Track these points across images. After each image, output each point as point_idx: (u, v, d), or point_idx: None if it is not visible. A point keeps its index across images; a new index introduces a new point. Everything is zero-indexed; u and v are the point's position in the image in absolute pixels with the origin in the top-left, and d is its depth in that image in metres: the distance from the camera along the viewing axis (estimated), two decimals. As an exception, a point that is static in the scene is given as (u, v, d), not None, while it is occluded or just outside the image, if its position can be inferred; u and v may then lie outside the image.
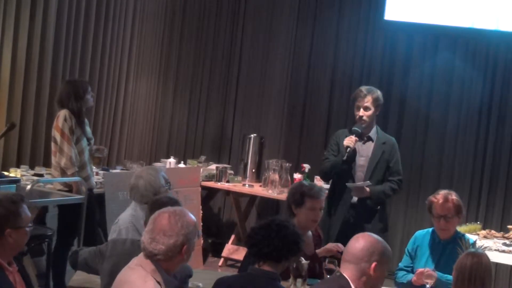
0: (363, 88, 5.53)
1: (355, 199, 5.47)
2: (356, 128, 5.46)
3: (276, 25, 8.25)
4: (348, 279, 3.16)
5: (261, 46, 8.32)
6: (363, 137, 5.53)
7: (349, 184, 5.41)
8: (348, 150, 5.37)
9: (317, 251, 4.55)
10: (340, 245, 4.47)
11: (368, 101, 5.46)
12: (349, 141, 5.39)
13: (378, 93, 5.54)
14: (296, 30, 8.16)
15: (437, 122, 7.51)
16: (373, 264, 3.15)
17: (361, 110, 5.47)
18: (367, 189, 5.42)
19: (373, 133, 5.55)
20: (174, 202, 3.86)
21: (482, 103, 7.35)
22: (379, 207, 5.51)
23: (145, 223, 3.92)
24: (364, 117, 5.47)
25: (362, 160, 5.51)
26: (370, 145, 5.53)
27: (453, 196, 4.60)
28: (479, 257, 3.57)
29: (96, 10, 7.14)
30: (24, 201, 3.40)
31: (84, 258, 3.99)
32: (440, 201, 4.57)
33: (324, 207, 5.35)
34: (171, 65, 8.27)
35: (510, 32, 7.17)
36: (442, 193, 4.62)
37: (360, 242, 3.19)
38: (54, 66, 6.72)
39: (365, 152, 5.52)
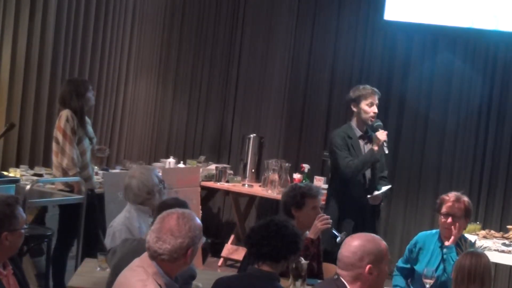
0: (370, 87, 5.61)
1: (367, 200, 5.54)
2: (380, 123, 5.52)
3: (276, 25, 8.25)
4: (345, 283, 3.15)
5: (261, 46, 8.32)
6: (365, 137, 5.58)
7: (370, 196, 5.49)
8: (386, 145, 5.45)
9: (309, 234, 4.51)
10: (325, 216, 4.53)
11: (377, 99, 5.57)
12: (385, 136, 5.45)
13: None
14: (296, 30, 8.16)
15: (436, 122, 7.52)
16: (367, 268, 3.13)
17: (374, 107, 5.53)
18: (380, 196, 5.55)
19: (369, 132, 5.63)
20: (181, 204, 3.82)
21: (482, 103, 7.35)
22: (382, 203, 5.66)
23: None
24: (375, 115, 5.54)
25: None
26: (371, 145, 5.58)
27: (465, 198, 4.59)
28: (478, 257, 3.57)
29: (96, 10, 7.14)
30: (19, 203, 3.36)
31: None
32: (452, 199, 4.53)
33: (334, 210, 5.38)
34: (170, 65, 8.27)
35: (509, 32, 7.17)
36: (454, 193, 4.61)
37: (349, 248, 3.17)
38: (53, 66, 6.72)
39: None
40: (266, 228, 3.63)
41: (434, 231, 4.70)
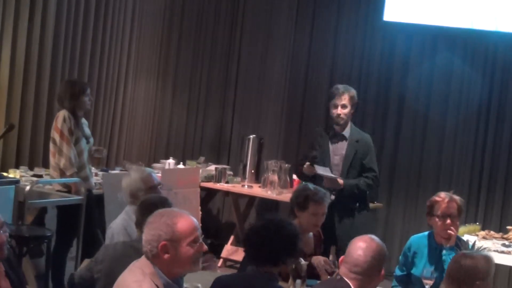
0: (340, 86, 5.63)
1: (332, 197, 5.38)
2: (309, 154, 5.58)
3: (275, 26, 8.25)
4: (350, 284, 3.15)
5: (260, 47, 8.32)
6: (337, 136, 5.60)
7: (321, 173, 5.44)
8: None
9: (312, 260, 4.47)
10: (329, 262, 4.43)
11: (345, 99, 5.54)
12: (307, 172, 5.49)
13: (354, 91, 5.64)
14: (295, 30, 8.16)
15: (436, 123, 7.52)
16: (383, 271, 3.22)
17: (339, 108, 5.54)
18: (341, 181, 5.45)
19: (347, 131, 5.61)
20: (163, 202, 3.82)
21: (481, 104, 7.35)
22: (357, 204, 5.51)
23: (136, 224, 3.91)
24: (342, 115, 5.54)
25: (336, 159, 5.57)
26: (344, 144, 5.59)
27: (456, 196, 4.57)
28: (466, 259, 3.48)
29: (95, 11, 7.14)
30: None
31: (79, 275, 3.94)
32: (446, 199, 4.46)
33: None
34: (170, 66, 8.26)
35: (509, 32, 7.17)
36: (445, 193, 4.57)
37: (367, 252, 3.19)
38: (53, 67, 6.72)
39: (339, 151, 5.59)
40: (263, 230, 3.59)
41: (426, 233, 4.64)
